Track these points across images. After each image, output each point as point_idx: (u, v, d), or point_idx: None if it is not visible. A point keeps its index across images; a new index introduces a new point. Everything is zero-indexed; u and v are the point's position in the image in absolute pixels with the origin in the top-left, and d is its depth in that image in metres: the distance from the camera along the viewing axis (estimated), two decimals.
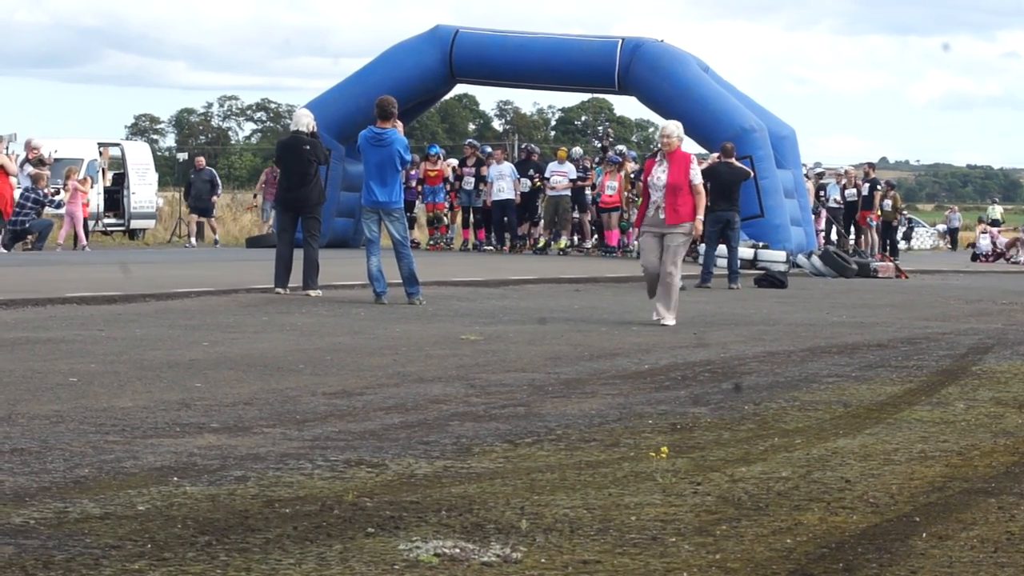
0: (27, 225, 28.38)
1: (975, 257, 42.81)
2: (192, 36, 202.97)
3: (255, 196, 37.87)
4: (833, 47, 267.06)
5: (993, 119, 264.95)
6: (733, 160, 22.22)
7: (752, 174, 22.74)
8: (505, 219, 31.61)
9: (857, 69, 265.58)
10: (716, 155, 23.63)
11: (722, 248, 22.57)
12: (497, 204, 31.35)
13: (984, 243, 43.51)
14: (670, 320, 14.56)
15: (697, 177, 14.88)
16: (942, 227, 66.30)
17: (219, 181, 36.50)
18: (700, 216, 14.93)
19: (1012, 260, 41.47)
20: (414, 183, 30.60)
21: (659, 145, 15.37)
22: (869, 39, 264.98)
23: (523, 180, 31.46)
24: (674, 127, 15.21)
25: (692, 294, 20.18)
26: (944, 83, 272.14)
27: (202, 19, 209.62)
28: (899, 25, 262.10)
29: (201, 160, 36.03)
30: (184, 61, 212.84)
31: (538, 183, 31.69)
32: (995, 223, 46.65)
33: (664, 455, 6.78)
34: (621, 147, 35.58)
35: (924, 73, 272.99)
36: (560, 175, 31.16)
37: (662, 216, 14.73)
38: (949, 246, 57.77)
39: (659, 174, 14.82)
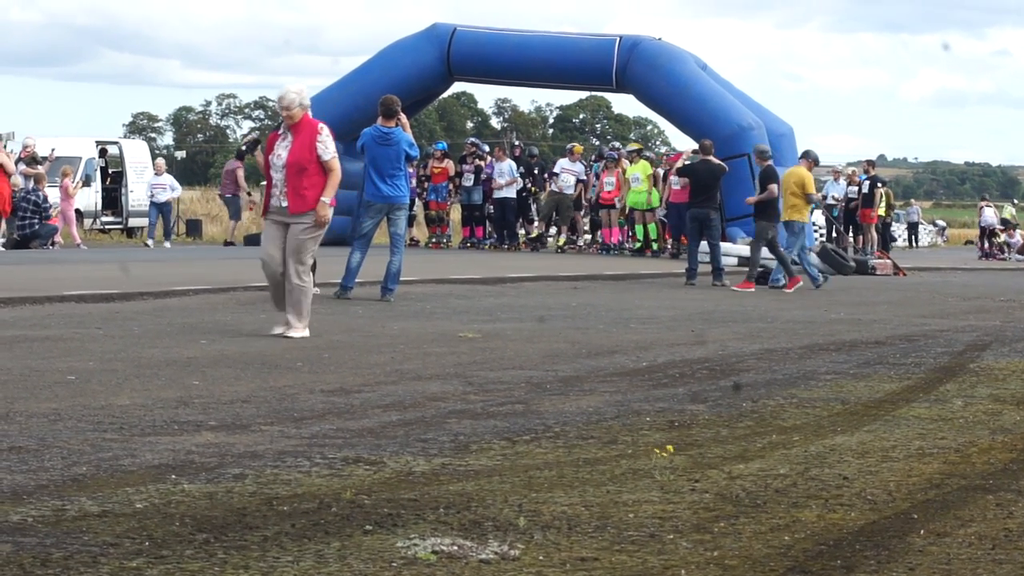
0: (36, 229, 28.45)
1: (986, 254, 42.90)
2: (186, 35, 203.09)
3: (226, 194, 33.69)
4: (825, 45, 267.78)
5: (987, 117, 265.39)
6: (711, 157, 22.24)
7: (727, 169, 22.77)
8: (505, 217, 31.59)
9: (849, 67, 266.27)
10: (690, 151, 23.78)
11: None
12: (497, 202, 31.35)
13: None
14: (300, 330, 11.83)
15: (328, 151, 11.92)
16: (941, 223, 65.87)
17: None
18: (325, 198, 11.93)
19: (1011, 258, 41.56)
20: (413, 182, 30.58)
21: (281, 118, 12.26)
22: (860, 36, 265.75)
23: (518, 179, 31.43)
24: (294, 94, 11.95)
25: (690, 291, 20.18)
26: (937, 81, 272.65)
27: (196, 18, 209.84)
28: (890, 23, 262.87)
29: None
30: (178, 60, 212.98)
31: (534, 189, 31.64)
32: (1005, 223, 46.29)
33: (669, 452, 6.77)
34: (617, 143, 35.60)
35: (917, 71, 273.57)
36: (571, 173, 30.97)
37: (284, 203, 11.95)
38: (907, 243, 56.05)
39: (280, 151, 12.00)
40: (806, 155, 22.41)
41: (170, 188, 33.22)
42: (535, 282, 20.54)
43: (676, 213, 27.49)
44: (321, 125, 12.13)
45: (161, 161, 35.64)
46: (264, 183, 12.79)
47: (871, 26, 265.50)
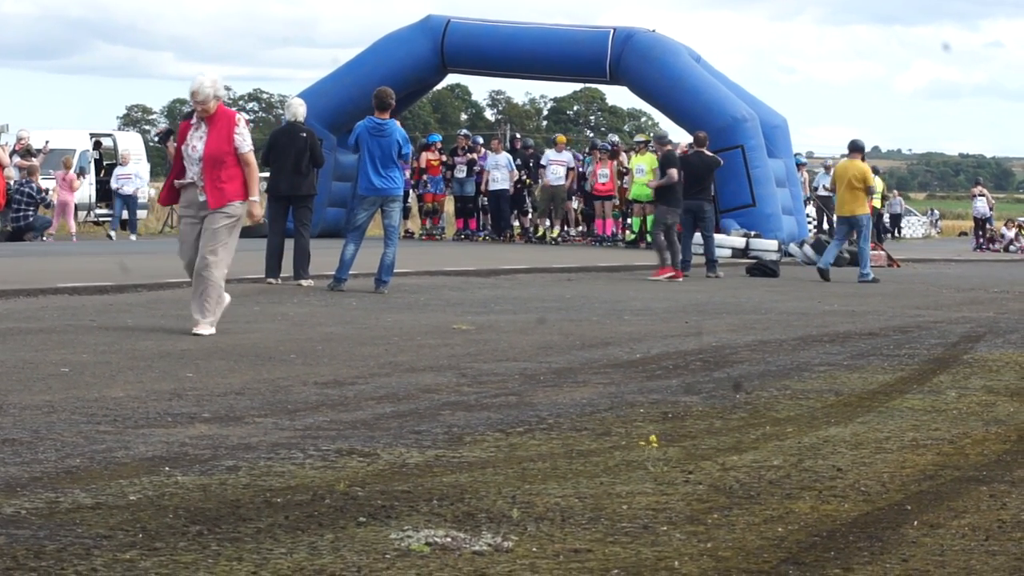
0: (30, 221, 28.44)
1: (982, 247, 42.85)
2: (180, 27, 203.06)
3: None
4: (818, 37, 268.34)
5: (981, 108, 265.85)
6: (704, 150, 22.27)
7: (721, 163, 22.83)
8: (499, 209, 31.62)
9: (843, 59, 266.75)
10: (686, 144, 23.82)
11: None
12: (492, 193, 31.37)
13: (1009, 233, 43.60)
14: (206, 328, 11.23)
15: (245, 144, 11.29)
16: (936, 213, 65.81)
17: None
18: (255, 196, 11.38)
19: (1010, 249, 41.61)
20: (408, 174, 30.55)
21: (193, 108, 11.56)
22: (854, 29, 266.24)
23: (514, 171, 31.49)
24: (208, 87, 11.20)
25: (684, 283, 20.18)
26: (930, 72, 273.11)
27: (190, 10, 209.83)
28: (883, 15, 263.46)
29: None
30: (172, 52, 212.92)
31: (528, 180, 31.70)
32: None
33: (654, 443, 6.78)
34: (613, 136, 35.58)
35: (910, 63, 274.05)
36: (559, 164, 30.95)
37: (202, 198, 11.26)
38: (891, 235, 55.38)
39: (195, 143, 11.30)
40: (856, 147, 22.49)
41: (136, 177, 33.15)
42: (529, 274, 20.54)
43: None
44: (239, 116, 11.49)
45: (127, 152, 35.31)
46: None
47: (864, 18, 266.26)
